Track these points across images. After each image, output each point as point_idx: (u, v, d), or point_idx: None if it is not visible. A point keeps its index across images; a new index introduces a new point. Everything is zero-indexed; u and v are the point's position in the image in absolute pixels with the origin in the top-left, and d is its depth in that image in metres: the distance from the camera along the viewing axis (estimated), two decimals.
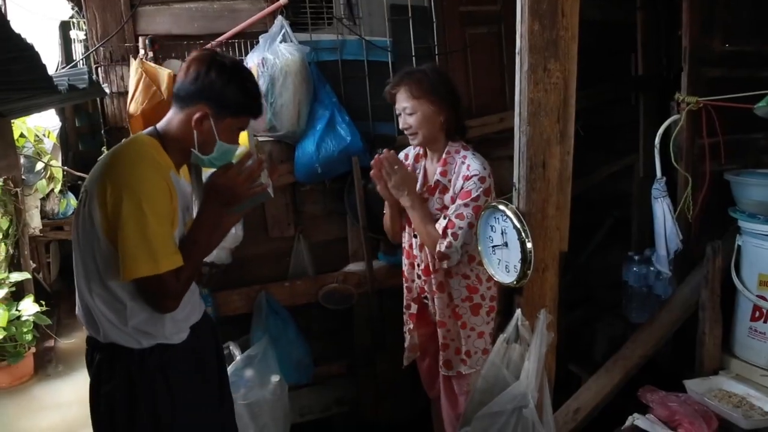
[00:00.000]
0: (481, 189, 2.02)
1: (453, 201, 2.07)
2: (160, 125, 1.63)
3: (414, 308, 2.33)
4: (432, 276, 2.18)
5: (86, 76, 1.79)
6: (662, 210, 2.28)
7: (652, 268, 2.84)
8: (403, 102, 2.08)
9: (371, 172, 2.10)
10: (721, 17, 2.33)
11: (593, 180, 3.38)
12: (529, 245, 1.56)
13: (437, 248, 2.05)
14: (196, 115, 1.55)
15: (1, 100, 1.75)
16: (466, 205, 2.01)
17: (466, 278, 2.16)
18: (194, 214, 1.71)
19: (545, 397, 1.70)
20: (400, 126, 2.13)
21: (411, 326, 2.35)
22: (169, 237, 1.51)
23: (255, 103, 1.65)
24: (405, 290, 2.36)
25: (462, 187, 2.04)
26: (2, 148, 1.96)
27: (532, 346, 1.63)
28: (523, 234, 1.56)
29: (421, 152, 2.27)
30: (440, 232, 2.04)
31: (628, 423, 1.97)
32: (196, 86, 1.55)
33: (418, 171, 2.23)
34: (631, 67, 3.41)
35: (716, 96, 2.17)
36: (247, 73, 1.66)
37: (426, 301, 2.29)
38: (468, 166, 2.06)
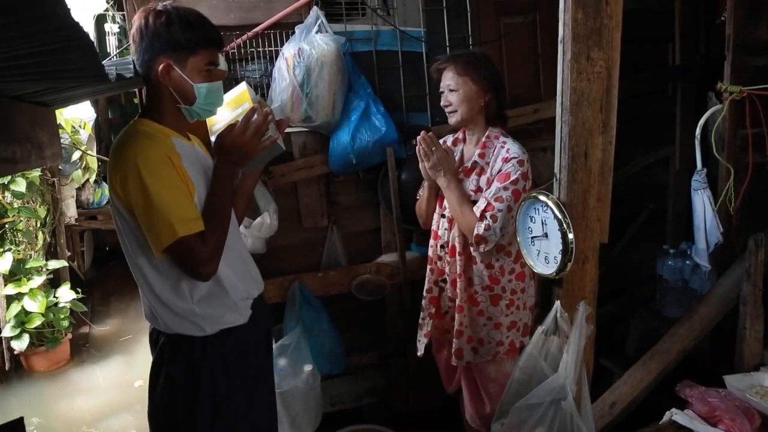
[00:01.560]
0: (520, 172, 2.02)
1: (489, 183, 2.06)
2: (143, 108, 1.63)
3: (435, 291, 2.32)
4: (457, 258, 2.17)
5: (132, 66, 1.82)
6: (702, 202, 2.23)
7: (687, 262, 2.79)
8: (447, 79, 2.12)
9: (417, 149, 2.11)
10: (767, 4, 2.27)
11: (628, 172, 3.33)
12: (570, 236, 1.54)
13: (475, 231, 2.03)
14: (159, 69, 1.51)
15: (54, 89, 1.78)
16: (505, 188, 2.01)
17: (490, 268, 2.14)
18: None
19: (584, 390, 1.69)
20: (441, 103, 2.16)
21: (432, 311, 2.33)
22: (181, 202, 1.49)
23: (207, 33, 1.57)
24: (428, 272, 2.34)
25: (501, 169, 2.04)
26: (48, 137, 2.00)
27: (571, 338, 1.62)
28: (564, 225, 1.54)
29: (459, 137, 2.27)
30: (478, 214, 2.03)
31: (666, 418, 1.94)
32: (145, 45, 1.52)
33: (456, 155, 2.22)
34: (668, 57, 3.35)
35: (761, 85, 2.12)
36: (184, 9, 1.56)
37: (443, 284, 2.28)
38: (507, 149, 2.07)
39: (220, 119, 1.71)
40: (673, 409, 1.95)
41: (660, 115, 3.33)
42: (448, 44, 2.80)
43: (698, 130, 2.22)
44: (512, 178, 2.01)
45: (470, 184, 2.13)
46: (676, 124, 3.31)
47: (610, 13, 1.54)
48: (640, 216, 3.51)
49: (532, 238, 1.71)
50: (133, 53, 1.56)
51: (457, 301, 2.19)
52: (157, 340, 1.66)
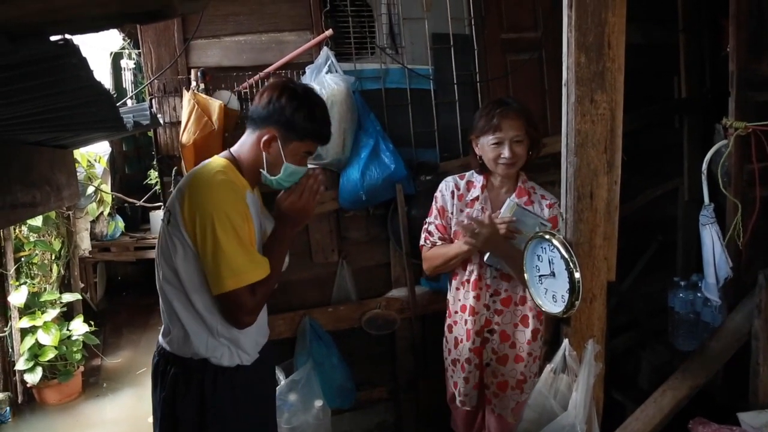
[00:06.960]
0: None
1: None
2: (234, 148, 1.75)
3: (478, 342, 2.22)
4: (512, 307, 2.20)
5: (148, 112, 1.88)
6: (711, 237, 2.24)
7: (699, 295, 2.78)
8: (514, 130, 2.07)
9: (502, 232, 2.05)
10: None
11: (637, 204, 3.34)
12: (577, 275, 1.56)
13: None
14: (265, 137, 1.67)
15: (73, 135, 1.84)
16: (558, 230, 2.04)
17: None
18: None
19: (594, 429, 1.68)
20: (505, 155, 2.07)
21: (477, 362, 2.23)
22: (248, 251, 1.59)
23: (321, 130, 1.75)
24: (470, 323, 2.21)
25: (550, 215, 2.14)
26: (66, 178, 2.06)
27: (580, 376, 1.62)
28: (571, 264, 1.56)
29: (475, 181, 2.24)
30: None
31: None
32: (268, 111, 1.67)
33: (481, 202, 2.20)
34: (674, 90, 3.38)
35: (766, 121, 2.13)
36: (317, 101, 1.75)
37: (488, 335, 2.20)
38: (543, 195, 2.18)
39: None
40: None
41: (667, 148, 3.36)
42: (455, 81, 2.85)
43: (704, 166, 2.24)
44: (560, 221, 2.01)
45: None
46: (684, 156, 3.33)
47: (613, 57, 1.57)
48: (651, 248, 3.51)
49: (540, 276, 1.72)
50: (254, 105, 1.71)
51: (517, 351, 2.20)
52: (165, 371, 1.70)
